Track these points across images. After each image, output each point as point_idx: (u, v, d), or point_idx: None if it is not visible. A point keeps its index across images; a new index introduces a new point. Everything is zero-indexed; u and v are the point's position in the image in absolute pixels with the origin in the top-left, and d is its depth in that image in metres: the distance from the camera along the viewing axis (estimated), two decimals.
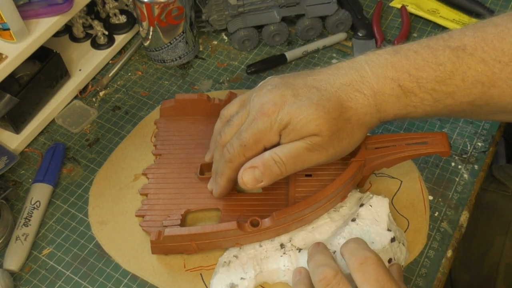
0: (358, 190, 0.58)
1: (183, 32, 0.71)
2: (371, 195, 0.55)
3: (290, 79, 0.51)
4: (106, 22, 0.76)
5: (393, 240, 0.52)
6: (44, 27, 0.62)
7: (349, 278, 0.44)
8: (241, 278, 0.52)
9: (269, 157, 0.50)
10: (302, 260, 0.52)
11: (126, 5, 0.79)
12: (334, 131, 0.49)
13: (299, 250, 0.53)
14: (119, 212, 0.60)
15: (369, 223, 0.53)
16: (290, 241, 0.54)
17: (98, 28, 0.74)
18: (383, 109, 0.50)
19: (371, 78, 0.50)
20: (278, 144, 0.51)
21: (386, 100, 0.50)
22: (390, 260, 0.52)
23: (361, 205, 0.55)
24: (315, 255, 0.47)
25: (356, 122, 0.50)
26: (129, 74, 0.75)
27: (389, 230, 0.53)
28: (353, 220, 0.53)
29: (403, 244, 0.54)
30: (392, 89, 0.49)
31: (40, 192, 0.61)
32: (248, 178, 0.50)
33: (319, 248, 0.48)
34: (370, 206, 0.54)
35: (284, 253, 0.53)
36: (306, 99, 0.49)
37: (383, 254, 0.51)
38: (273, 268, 0.53)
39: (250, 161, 0.51)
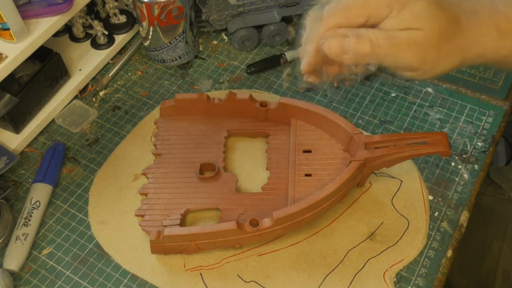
0: None
1: (183, 32, 0.71)
2: None
3: None
4: (106, 22, 0.76)
5: None
6: (44, 27, 0.62)
7: None
8: None
9: (366, 33, 0.46)
10: None
11: (126, 5, 0.79)
12: (439, 36, 0.46)
13: None
14: (119, 212, 0.60)
15: None
16: None
17: (98, 28, 0.74)
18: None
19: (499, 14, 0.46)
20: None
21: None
22: None
23: None
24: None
25: (459, 45, 0.47)
26: (129, 74, 0.75)
27: None
28: None
29: None
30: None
31: (40, 192, 0.61)
32: (336, 43, 0.46)
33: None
34: None
35: None
36: None
37: None
38: None
39: (344, 29, 0.46)
